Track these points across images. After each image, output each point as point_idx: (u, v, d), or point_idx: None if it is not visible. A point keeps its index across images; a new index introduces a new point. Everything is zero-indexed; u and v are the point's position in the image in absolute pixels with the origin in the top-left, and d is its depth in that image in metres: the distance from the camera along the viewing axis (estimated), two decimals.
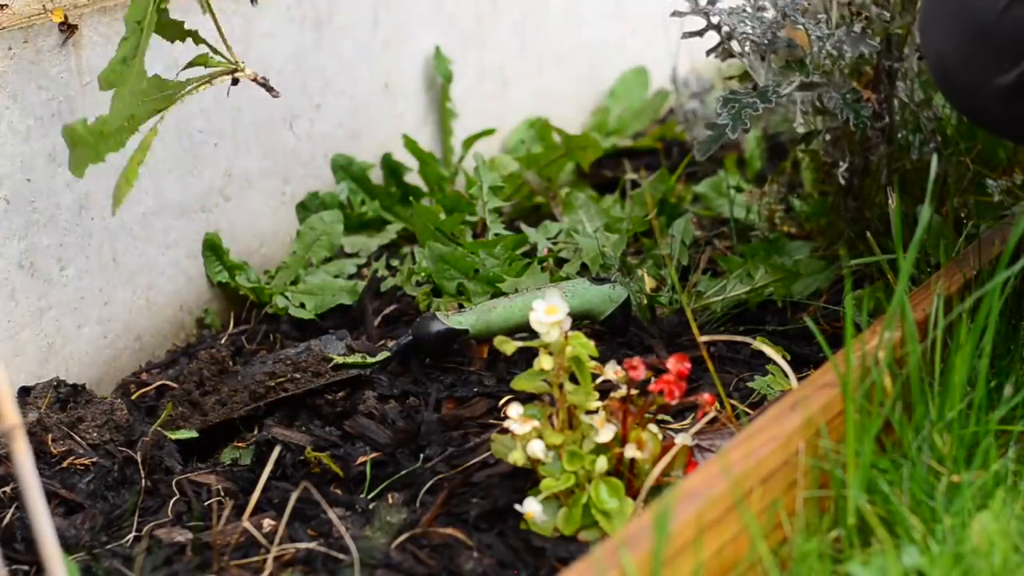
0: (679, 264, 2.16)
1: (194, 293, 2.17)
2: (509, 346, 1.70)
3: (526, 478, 1.67)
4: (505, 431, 1.66)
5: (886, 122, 2.03)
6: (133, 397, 1.98)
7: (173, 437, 1.85)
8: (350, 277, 2.25)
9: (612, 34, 2.93)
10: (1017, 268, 1.61)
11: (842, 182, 2.01)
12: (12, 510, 1.69)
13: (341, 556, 1.60)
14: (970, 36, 1.61)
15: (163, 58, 1.90)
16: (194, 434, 1.88)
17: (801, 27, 1.89)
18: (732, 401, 1.79)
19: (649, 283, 2.13)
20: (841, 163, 1.99)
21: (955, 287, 1.80)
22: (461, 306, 2.09)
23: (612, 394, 1.64)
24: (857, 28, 1.88)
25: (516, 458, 1.62)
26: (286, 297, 2.19)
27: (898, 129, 2.09)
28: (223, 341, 2.11)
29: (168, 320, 2.14)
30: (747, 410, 1.79)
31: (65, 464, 1.79)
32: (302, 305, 2.18)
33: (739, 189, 2.42)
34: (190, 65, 1.87)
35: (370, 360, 1.95)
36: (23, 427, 1.23)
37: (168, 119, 2.09)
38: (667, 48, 2.79)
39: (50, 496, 1.73)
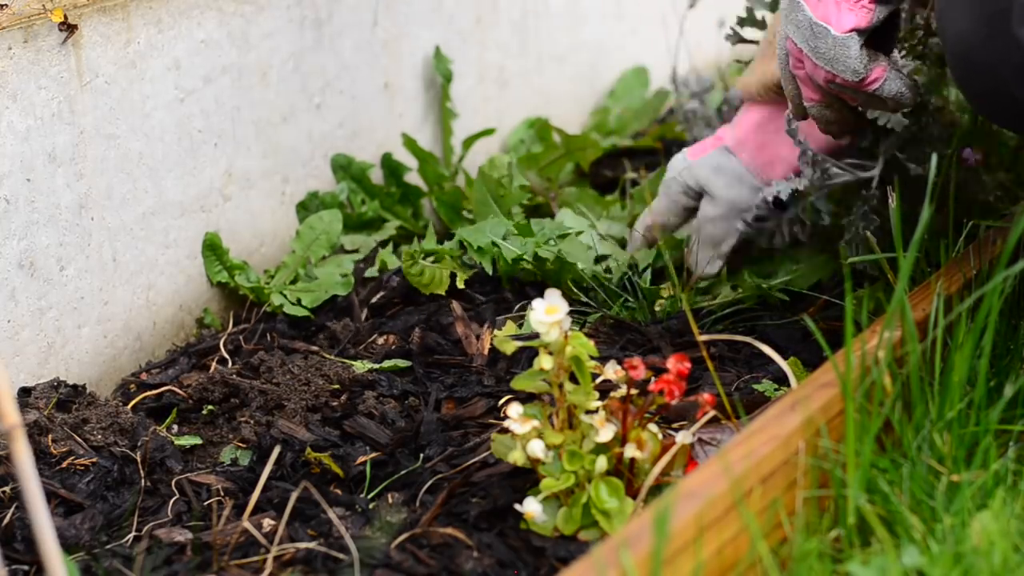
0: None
1: (194, 293, 2.18)
2: (509, 346, 1.70)
3: (526, 478, 1.67)
4: (505, 431, 1.66)
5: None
6: (135, 400, 1.98)
7: (177, 442, 1.86)
8: (345, 276, 2.26)
9: (612, 34, 2.93)
10: (1017, 268, 1.61)
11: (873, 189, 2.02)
12: (12, 510, 1.69)
13: (341, 556, 1.60)
14: (990, 13, 1.60)
15: None
16: (197, 440, 1.88)
17: None
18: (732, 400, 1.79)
19: (666, 291, 2.13)
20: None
21: (955, 287, 1.80)
22: None
23: (612, 394, 1.64)
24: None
25: (516, 458, 1.62)
26: (283, 295, 2.19)
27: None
28: (222, 341, 2.11)
29: (168, 320, 2.14)
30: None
31: (65, 464, 1.79)
32: (298, 302, 2.18)
33: None
34: None
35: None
36: (23, 427, 1.23)
37: (168, 119, 2.10)
38: (667, 48, 2.79)
39: (50, 496, 1.73)
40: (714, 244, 2.11)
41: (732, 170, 2.09)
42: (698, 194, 2.13)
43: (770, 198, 2.05)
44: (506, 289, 2.18)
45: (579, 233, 2.22)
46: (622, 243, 2.27)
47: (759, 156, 2.08)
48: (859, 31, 1.77)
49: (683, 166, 2.13)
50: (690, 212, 2.16)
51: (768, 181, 2.08)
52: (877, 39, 1.81)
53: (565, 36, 2.82)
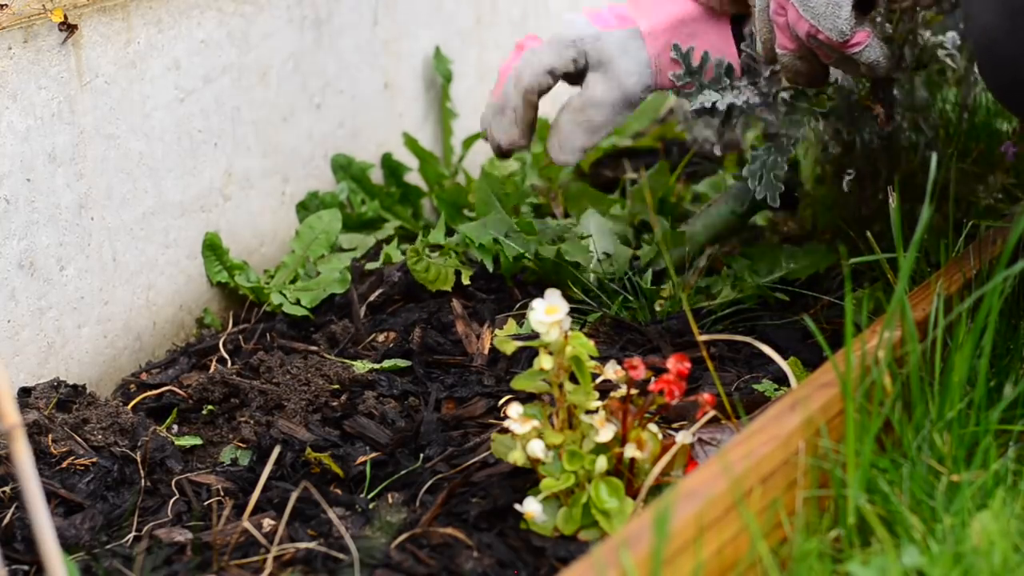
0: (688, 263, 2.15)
1: (194, 293, 2.18)
2: (509, 346, 1.70)
3: (526, 478, 1.67)
4: (505, 431, 1.66)
5: (889, 129, 2.04)
6: (135, 400, 1.98)
7: (177, 442, 1.86)
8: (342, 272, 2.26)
9: None
10: (1017, 268, 1.61)
11: (845, 188, 2.01)
12: (12, 510, 1.69)
13: (341, 556, 1.60)
14: (1014, 8, 1.60)
15: None
16: (197, 440, 1.88)
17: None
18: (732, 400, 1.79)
19: (667, 290, 2.12)
20: (847, 174, 2.00)
21: (955, 287, 1.80)
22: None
23: (612, 394, 1.64)
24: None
25: (516, 458, 1.62)
26: (283, 295, 2.19)
27: (900, 130, 2.09)
28: (222, 341, 2.11)
29: (168, 320, 2.14)
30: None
31: (65, 464, 1.79)
32: (298, 302, 2.18)
33: None
34: None
35: None
36: (23, 427, 1.23)
37: (168, 119, 2.10)
38: None
39: (50, 496, 1.73)
40: (591, 131, 2.02)
41: (637, 57, 1.99)
42: (584, 66, 2.00)
43: (697, 107, 1.98)
44: (511, 287, 2.18)
45: (584, 237, 2.21)
46: (624, 242, 2.26)
47: (665, 53, 2.00)
48: None
49: (588, 32, 1.99)
50: (556, 79, 2.01)
51: (658, 84, 2.00)
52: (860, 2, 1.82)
53: None
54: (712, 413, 1.68)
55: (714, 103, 1.99)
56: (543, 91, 2.03)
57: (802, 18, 1.79)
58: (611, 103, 1.99)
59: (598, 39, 1.99)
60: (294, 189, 2.33)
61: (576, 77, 2.04)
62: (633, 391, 1.62)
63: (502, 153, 2.11)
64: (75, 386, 1.95)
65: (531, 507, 1.60)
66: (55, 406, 1.89)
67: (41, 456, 1.80)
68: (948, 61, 2.09)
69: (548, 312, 1.58)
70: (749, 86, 2.00)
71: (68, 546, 1.66)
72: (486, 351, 2.03)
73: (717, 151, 2.15)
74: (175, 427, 1.92)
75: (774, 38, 1.88)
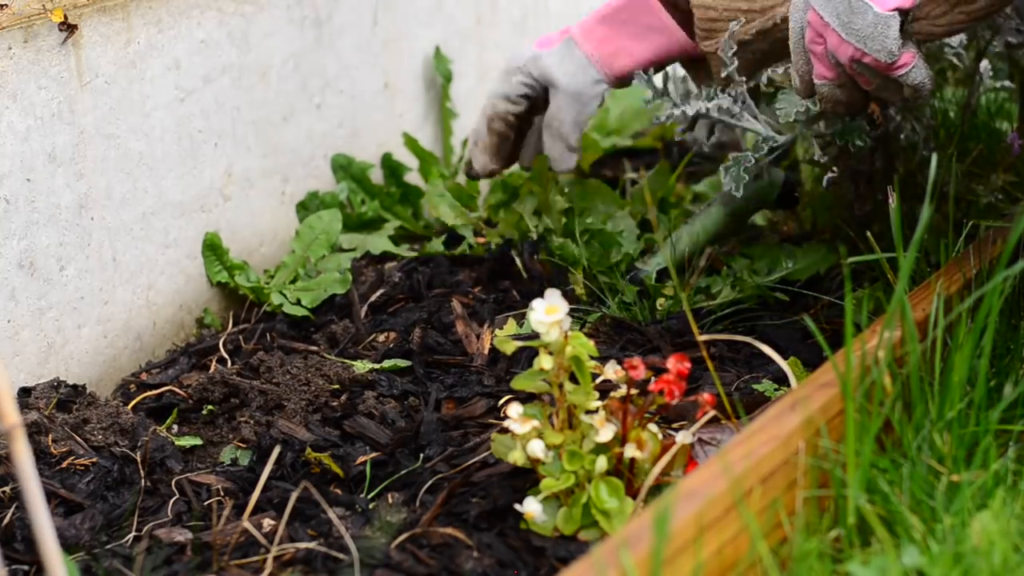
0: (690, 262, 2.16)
1: (194, 293, 2.18)
2: (509, 346, 1.70)
3: (526, 478, 1.67)
4: (505, 431, 1.66)
5: (883, 130, 2.03)
6: (135, 400, 1.98)
7: (177, 442, 1.86)
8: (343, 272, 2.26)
9: None
10: (1017, 268, 1.61)
11: (825, 186, 2.01)
12: (12, 510, 1.69)
13: (341, 556, 1.60)
14: None
15: None
16: (197, 440, 1.88)
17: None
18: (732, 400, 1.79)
19: (669, 290, 2.12)
20: (831, 171, 2.00)
21: (955, 287, 1.80)
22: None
23: (612, 394, 1.64)
24: None
25: (516, 458, 1.62)
26: (283, 295, 2.19)
27: (900, 130, 2.09)
28: (222, 341, 2.11)
29: (168, 320, 2.14)
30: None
31: (65, 464, 1.79)
32: (298, 302, 2.18)
33: None
34: None
35: None
36: (23, 427, 1.23)
37: (168, 119, 2.10)
38: None
39: (50, 496, 1.73)
40: (563, 137, 2.14)
41: (576, 60, 2.10)
42: (543, 88, 2.14)
43: (665, 117, 2.05)
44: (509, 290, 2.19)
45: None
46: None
47: (603, 47, 2.09)
48: (901, 11, 1.74)
49: (529, 56, 2.14)
50: (525, 107, 2.15)
51: (613, 73, 2.09)
52: None
53: None
54: (712, 413, 1.68)
55: (682, 111, 2.04)
56: (504, 118, 2.16)
57: (845, 42, 1.76)
58: (567, 109, 2.11)
59: (538, 59, 2.13)
60: (294, 189, 2.33)
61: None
62: (633, 391, 1.62)
63: (474, 176, 2.28)
64: (75, 386, 1.95)
65: (531, 507, 1.60)
66: (55, 406, 1.89)
67: (41, 456, 1.80)
68: (954, 60, 2.09)
69: (548, 312, 1.58)
70: (724, 94, 2.02)
71: (68, 546, 1.66)
72: (486, 351, 2.03)
73: (705, 148, 2.19)
74: (175, 427, 1.92)
75: (811, 69, 1.84)
